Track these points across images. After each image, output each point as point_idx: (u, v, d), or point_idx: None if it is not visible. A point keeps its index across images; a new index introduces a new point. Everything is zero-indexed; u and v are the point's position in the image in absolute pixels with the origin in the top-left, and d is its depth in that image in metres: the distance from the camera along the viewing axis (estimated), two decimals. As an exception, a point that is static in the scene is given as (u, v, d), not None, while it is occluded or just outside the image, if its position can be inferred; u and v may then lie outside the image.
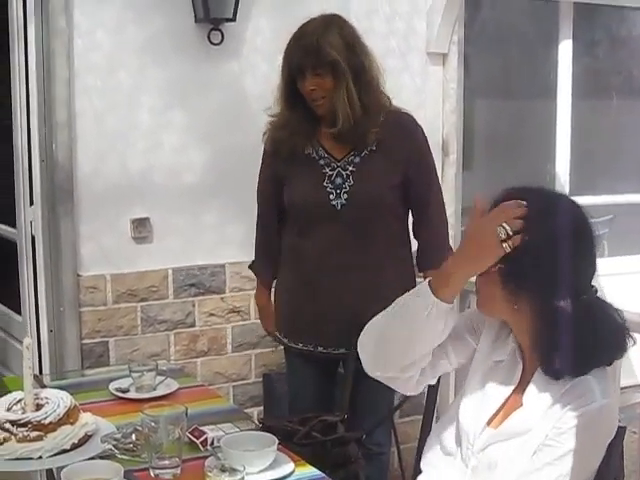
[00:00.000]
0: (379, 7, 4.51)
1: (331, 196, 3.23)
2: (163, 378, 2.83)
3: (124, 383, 2.83)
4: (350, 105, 3.14)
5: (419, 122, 3.37)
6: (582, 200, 5.62)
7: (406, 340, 2.10)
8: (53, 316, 4.07)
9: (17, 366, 4.16)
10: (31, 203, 4.10)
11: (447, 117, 4.83)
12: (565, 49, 5.74)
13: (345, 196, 3.21)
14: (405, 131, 3.32)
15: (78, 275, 4.04)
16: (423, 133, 3.39)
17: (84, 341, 4.07)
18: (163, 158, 4.14)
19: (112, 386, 2.81)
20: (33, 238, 4.12)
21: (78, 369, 4.00)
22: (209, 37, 4.11)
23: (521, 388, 2.06)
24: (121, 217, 4.09)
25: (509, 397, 2.09)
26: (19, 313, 4.43)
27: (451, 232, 4.90)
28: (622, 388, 3.64)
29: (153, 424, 2.19)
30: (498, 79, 5.75)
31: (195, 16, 4.09)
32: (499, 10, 5.55)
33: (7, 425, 2.19)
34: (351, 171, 3.23)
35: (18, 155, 4.17)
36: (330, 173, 3.25)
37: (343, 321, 3.20)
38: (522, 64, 5.81)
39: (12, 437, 2.18)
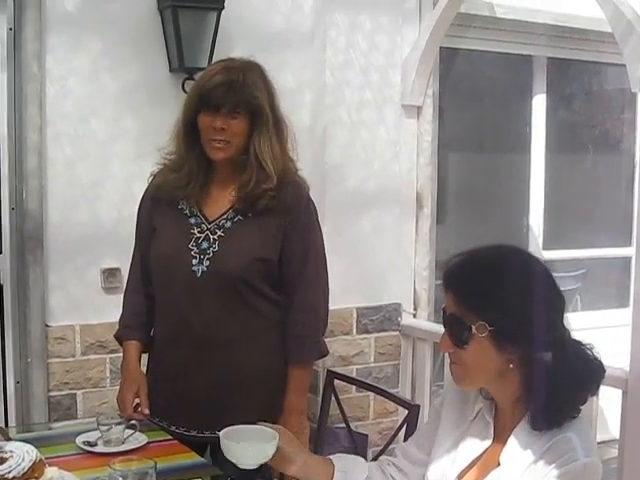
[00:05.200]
0: (354, 59, 4.50)
1: (194, 261, 2.88)
2: (132, 432, 2.76)
3: (92, 437, 2.75)
4: (273, 155, 2.87)
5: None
6: (555, 254, 5.58)
7: None
8: (20, 367, 3.99)
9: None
10: (-1, 251, 4.04)
11: (421, 170, 4.81)
12: (539, 103, 5.81)
13: (207, 263, 2.87)
14: (290, 204, 2.93)
15: (46, 325, 3.97)
16: (311, 209, 3.02)
17: (51, 393, 4.00)
18: (135, 208, 4.07)
19: (79, 440, 2.74)
20: (1, 287, 4.06)
21: (45, 422, 3.93)
22: (184, 86, 4.07)
23: (497, 446, 2.01)
24: (91, 267, 4.03)
25: (482, 454, 2.04)
26: (-16, 363, 4.35)
27: (425, 285, 4.88)
28: (598, 443, 3.60)
29: (121, 479, 2.13)
30: (472, 132, 5.79)
31: (170, 65, 4.09)
32: (474, 64, 5.59)
33: (-32, 480, 2.13)
34: (219, 236, 2.90)
35: (-14, 202, 4.12)
36: (198, 235, 2.92)
37: (199, 402, 2.93)
38: (496, 118, 5.85)
39: (-26, 492, 2.12)
